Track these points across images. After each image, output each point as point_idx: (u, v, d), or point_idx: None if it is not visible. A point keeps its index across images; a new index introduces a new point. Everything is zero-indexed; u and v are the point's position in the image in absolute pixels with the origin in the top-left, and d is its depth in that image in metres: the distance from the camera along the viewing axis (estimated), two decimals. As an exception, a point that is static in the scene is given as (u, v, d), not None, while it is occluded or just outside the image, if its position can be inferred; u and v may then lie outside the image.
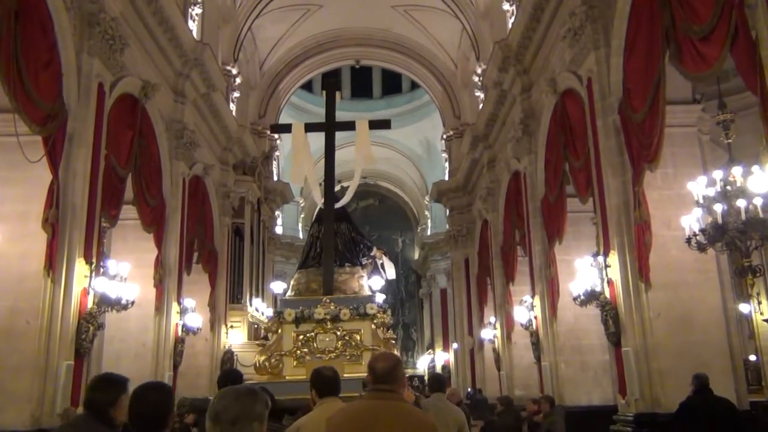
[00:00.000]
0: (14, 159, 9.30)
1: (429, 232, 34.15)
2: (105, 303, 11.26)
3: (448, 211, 26.54)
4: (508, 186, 17.58)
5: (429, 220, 34.78)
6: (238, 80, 21.54)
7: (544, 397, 8.31)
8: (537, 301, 14.68)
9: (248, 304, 20.28)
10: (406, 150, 34.13)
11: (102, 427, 2.82)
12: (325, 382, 3.91)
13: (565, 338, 13.76)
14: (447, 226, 27.59)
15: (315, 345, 7.83)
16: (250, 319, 20.23)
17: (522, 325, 15.95)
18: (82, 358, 9.80)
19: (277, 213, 28.87)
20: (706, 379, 7.03)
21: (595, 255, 10.60)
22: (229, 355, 18.76)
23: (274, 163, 26.04)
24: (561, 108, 12.65)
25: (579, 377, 13.48)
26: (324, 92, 10.20)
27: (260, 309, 21.39)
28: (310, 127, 10.13)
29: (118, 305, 11.91)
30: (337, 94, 10.25)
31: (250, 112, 24.17)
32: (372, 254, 9.90)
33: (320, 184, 9.72)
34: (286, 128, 10.54)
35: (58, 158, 9.52)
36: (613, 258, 10.04)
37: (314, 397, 3.96)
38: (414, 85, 32.52)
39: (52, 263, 9.30)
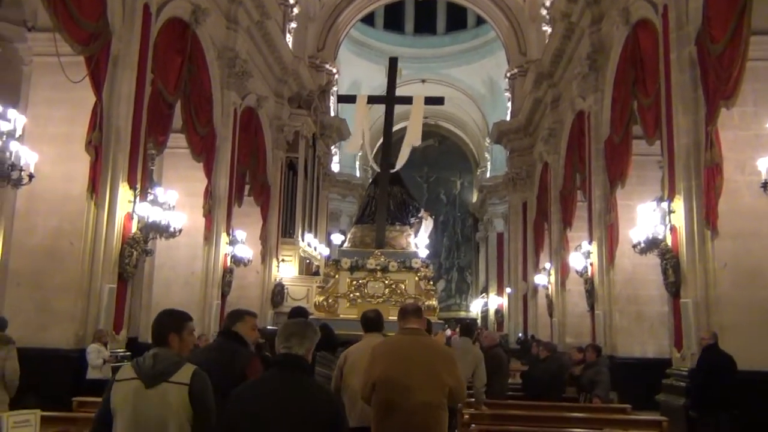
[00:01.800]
0: (58, 80, 9.18)
1: (488, 175, 33.31)
2: (152, 229, 11.31)
3: (508, 152, 25.67)
4: (571, 127, 16.69)
5: (489, 163, 33.87)
6: (295, 10, 21.01)
7: (590, 345, 7.81)
8: (594, 247, 14.00)
9: (300, 238, 20.28)
10: (469, 89, 33.05)
11: (234, 343, 3.99)
12: (369, 321, 5.07)
13: (621, 287, 13.13)
14: (506, 169, 26.75)
15: (366, 290, 9.10)
16: (302, 254, 20.27)
17: (577, 272, 15.36)
18: (125, 281, 9.86)
19: (333, 150, 28.64)
20: (716, 337, 7.69)
21: (659, 200, 9.85)
22: (279, 288, 18.91)
23: (332, 98, 25.59)
24: (632, 41, 11.67)
25: (634, 328, 12.89)
26: (387, 67, 11.05)
27: (312, 244, 21.40)
28: (372, 100, 11.40)
29: (166, 232, 11.96)
30: (399, 68, 11.16)
31: (309, 45, 23.65)
32: (420, 215, 10.83)
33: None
34: (351, 99, 12.02)
35: (102, 80, 9.37)
36: (678, 203, 9.29)
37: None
38: (479, 21, 31.13)
39: (95, 186, 9.28)
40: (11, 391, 6.55)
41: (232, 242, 15.29)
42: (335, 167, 30.14)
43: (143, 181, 10.57)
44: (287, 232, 19.96)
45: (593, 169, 14.08)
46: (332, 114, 25.36)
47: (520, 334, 22.49)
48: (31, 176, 7.94)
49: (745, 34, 7.90)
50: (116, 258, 9.59)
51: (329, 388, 3.19)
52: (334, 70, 25.06)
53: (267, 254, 18.68)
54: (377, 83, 33.75)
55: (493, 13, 24.88)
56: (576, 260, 15.04)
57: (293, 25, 20.93)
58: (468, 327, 7.44)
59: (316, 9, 23.97)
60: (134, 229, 10.04)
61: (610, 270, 13.23)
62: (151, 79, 10.90)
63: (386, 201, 9.61)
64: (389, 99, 10.34)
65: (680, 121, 9.30)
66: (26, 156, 8.01)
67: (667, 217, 9.49)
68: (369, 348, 4.42)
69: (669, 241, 9.50)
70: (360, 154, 35.23)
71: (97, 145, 9.29)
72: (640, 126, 11.59)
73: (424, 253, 11.45)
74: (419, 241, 10.24)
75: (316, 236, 22.41)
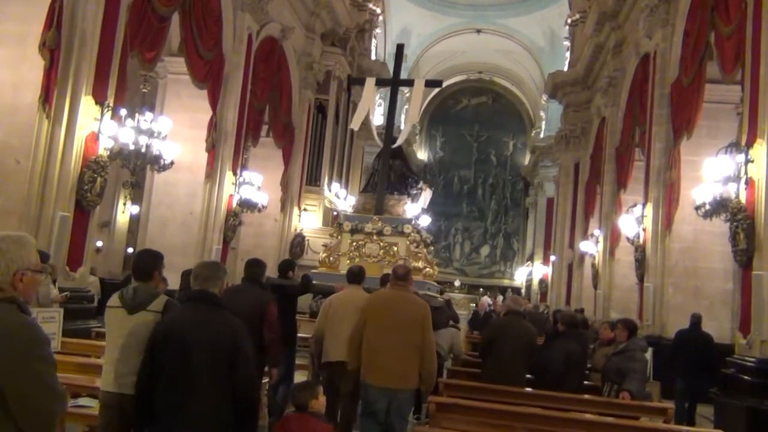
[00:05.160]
0: (15, -30, 7.78)
1: (542, 135, 30.97)
2: (133, 157, 9.98)
3: (563, 108, 23.40)
4: (634, 74, 14.56)
5: (543, 122, 31.50)
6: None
7: (620, 321, 5.95)
8: (649, 210, 12.01)
9: (326, 187, 18.77)
10: (527, 41, 30.53)
11: (258, 288, 5.53)
12: (353, 275, 5.81)
13: (678, 257, 11.23)
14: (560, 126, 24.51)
15: (363, 250, 9.86)
16: (327, 204, 18.78)
17: (628, 239, 13.39)
18: (85, 212, 8.50)
19: (377, 100, 26.84)
20: (699, 318, 8.86)
21: (732, 147, 7.83)
22: (299, 239, 17.55)
23: (373, 40, 23.75)
24: (714, -44, 9.51)
25: (690, 306, 10.91)
26: (395, 52, 12.10)
27: (341, 195, 19.88)
28: (379, 82, 12.83)
29: (156, 164, 10.66)
30: (405, 54, 13.00)
31: (350, -19, 21.76)
32: (419, 186, 11.88)
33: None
34: (361, 81, 13.40)
35: (62, -30, 7.88)
36: (760, 149, 7.28)
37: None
38: (543, -34, 28.65)
39: (48, 96, 7.87)
40: None
41: (239, 183, 13.86)
42: (378, 119, 28.31)
43: (119, 98, 9.12)
44: (312, 179, 18.49)
45: (655, 117, 12.03)
46: (373, 57, 23.49)
47: (562, 308, 20.59)
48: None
49: None
50: (74, 183, 8.22)
51: (236, 319, 3.38)
52: (378, 10, 23.13)
53: (288, 201, 17.28)
54: (429, 30, 31.65)
55: (557, -48, 22.43)
56: (627, 224, 13.04)
57: (329, -48, 19.01)
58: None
59: (360, -60, 21.97)
60: (100, 151, 8.64)
61: (666, 237, 11.32)
62: (135, -19, 9.40)
63: (387, 173, 10.63)
64: (394, 82, 11.56)
65: (770, 44, 7.24)
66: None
67: (743, 168, 7.50)
68: (351, 296, 5.59)
69: (743, 198, 7.53)
70: (406, 107, 33.42)
71: (53, 48, 7.85)
72: (717, 62, 9.50)
73: (426, 221, 13.59)
74: (416, 209, 11.38)
75: (346, 187, 20.87)
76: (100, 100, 8.56)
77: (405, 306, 4.69)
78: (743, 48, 8.17)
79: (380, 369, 4.54)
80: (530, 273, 31.31)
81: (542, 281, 28.40)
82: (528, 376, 5.84)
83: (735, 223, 7.50)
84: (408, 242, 9.79)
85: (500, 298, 29.56)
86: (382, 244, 9.80)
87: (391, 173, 10.84)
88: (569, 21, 22.53)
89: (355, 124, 12.70)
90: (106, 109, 8.64)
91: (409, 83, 12.09)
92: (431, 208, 37.11)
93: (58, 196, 8.06)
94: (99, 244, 18.94)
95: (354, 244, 10.01)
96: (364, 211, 10.57)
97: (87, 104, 8.36)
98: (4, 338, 2.13)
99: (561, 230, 22.23)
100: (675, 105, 11.27)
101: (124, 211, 18.77)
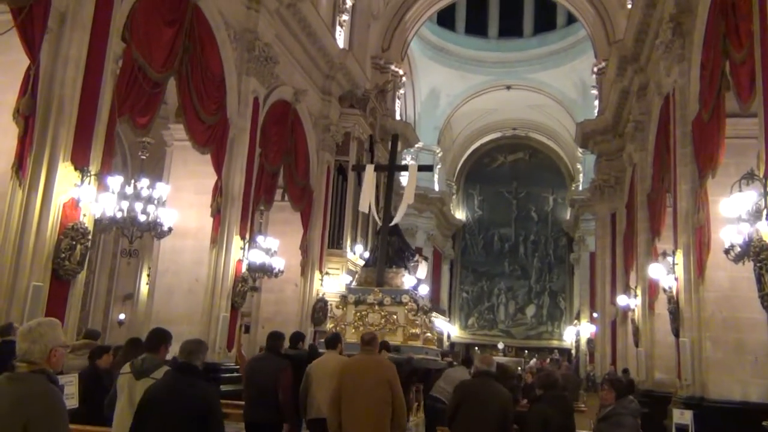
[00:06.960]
0: (-7, 40, 7.77)
1: (581, 188, 30.03)
2: (129, 225, 9.79)
3: (596, 157, 22.59)
4: (659, 115, 13.77)
5: (581, 175, 30.60)
6: (348, 2, 19.26)
7: (608, 379, 5.08)
8: (679, 257, 11.04)
9: (349, 250, 18.28)
10: (559, 94, 30.09)
11: (278, 357, 6.54)
12: (328, 342, 6.73)
13: (714, 307, 10.14)
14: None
15: (367, 320, 10.65)
16: (351, 267, 18.24)
17: (664, 290, 12.34)
18: (64, 281, 8.16)
19: (408, 158, 26.57)
20: None
21: (748, 178, 7.02)
22: (321, 304, 17.02)
23: (397, 101, 23.65)
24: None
25: (732, 362, 9.86)
26: (390, 141, 14.28)
27: (365, 257, 19.32)
28: (378, 168, 14.11)
29: (154, 231, 10.45)
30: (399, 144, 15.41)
31: (372, 45, 21.88)
32: (416, 259, 13.20)
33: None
34: (362, 168, 15.09)
35: (37, 38, 7.83)
36: (779, 180, 6.46)
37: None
38: (570, 20, 28.44)
39: (22, 164, 7.71)
40: None
41: (253, 248, 13.50)
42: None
43: (106, 164, 8.97)
44: (334, 242, 18.05)
45: (679, 157, 11.20)
46: (397, 117, 23.32)
47: (611, 369, 19.18)
48: None
49: None
50: (50, 251, 7.94)
51: (211, 388, 4.04)
52: (401, 71, 23.11)
53: (308, 266, 16.84)
54: (458, 90, 31.57)
55: (579, 2, 22.12)
56: (659, 273, 12.04)
57: (345, 17, 19.16)
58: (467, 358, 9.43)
59: (380, 6, 22.18)
60: (81, 218, 8.38)
61: (699, 285, 10.28)
62: (123, 48, 9.38)
63: (386, 248, 11.66)
64: (390, 167, 13.15)
65: (781, 62, 6.52)
66: None
67: (764, 200, 6.67)
68: (329, 360, 6.28)
69: (765, 237, 6.66)
70: (440, 166, 33.09)
71: (27, 115, 7.74)
72: (733, 91, 8.77)
73: (425, 290, 15.94)
74: (412, 280, 12.40)
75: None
76: (80, 165, 8.36)
77: (372, 369, 5.35)
78: (755, 71, 7.46)
79: (353, 424, 5.18)
80: (577, 333, 29.81)
81: (590, 340, 26.96)
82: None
83: (759, 264, 6.62)
84: (406, 311, 10.58)
85: (548, 360, 28.19)
86: (383, 313, 10.66)
87: (389, 248, 11.83)
88: (595, 69, 22.00)
89: (362, 207, 13.37)
90: (86, 175, 8.43)
91: (404, 168, 14.06)
92: (471, 269, 36.45)
93: (33, 265, 7.78)
94: (122, 316, 18.92)
95: (358, 314, 10.81)
96: (366, 284, 11.49)
97: (65, 170, 8.16)
98: (35, 402, 2.78)
99: (602, 285, 21.05)
100: (697, 142, 10.47)
101: (149, 282, 18.68)
